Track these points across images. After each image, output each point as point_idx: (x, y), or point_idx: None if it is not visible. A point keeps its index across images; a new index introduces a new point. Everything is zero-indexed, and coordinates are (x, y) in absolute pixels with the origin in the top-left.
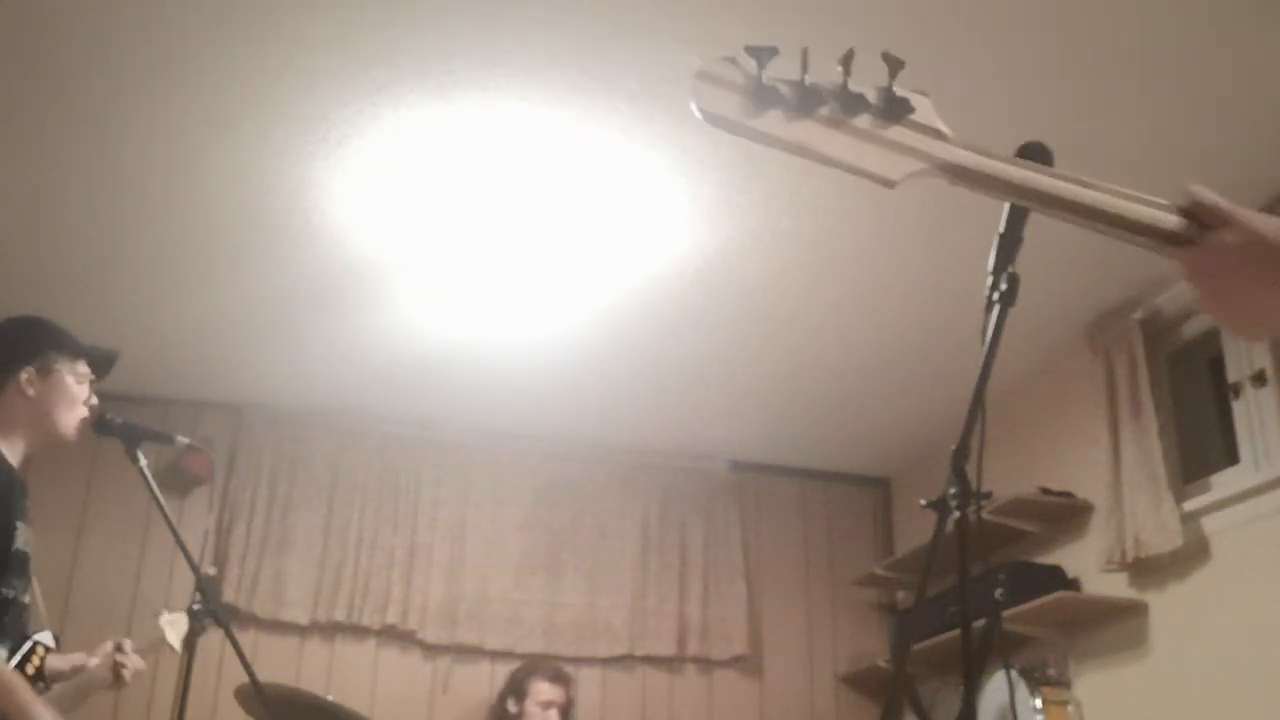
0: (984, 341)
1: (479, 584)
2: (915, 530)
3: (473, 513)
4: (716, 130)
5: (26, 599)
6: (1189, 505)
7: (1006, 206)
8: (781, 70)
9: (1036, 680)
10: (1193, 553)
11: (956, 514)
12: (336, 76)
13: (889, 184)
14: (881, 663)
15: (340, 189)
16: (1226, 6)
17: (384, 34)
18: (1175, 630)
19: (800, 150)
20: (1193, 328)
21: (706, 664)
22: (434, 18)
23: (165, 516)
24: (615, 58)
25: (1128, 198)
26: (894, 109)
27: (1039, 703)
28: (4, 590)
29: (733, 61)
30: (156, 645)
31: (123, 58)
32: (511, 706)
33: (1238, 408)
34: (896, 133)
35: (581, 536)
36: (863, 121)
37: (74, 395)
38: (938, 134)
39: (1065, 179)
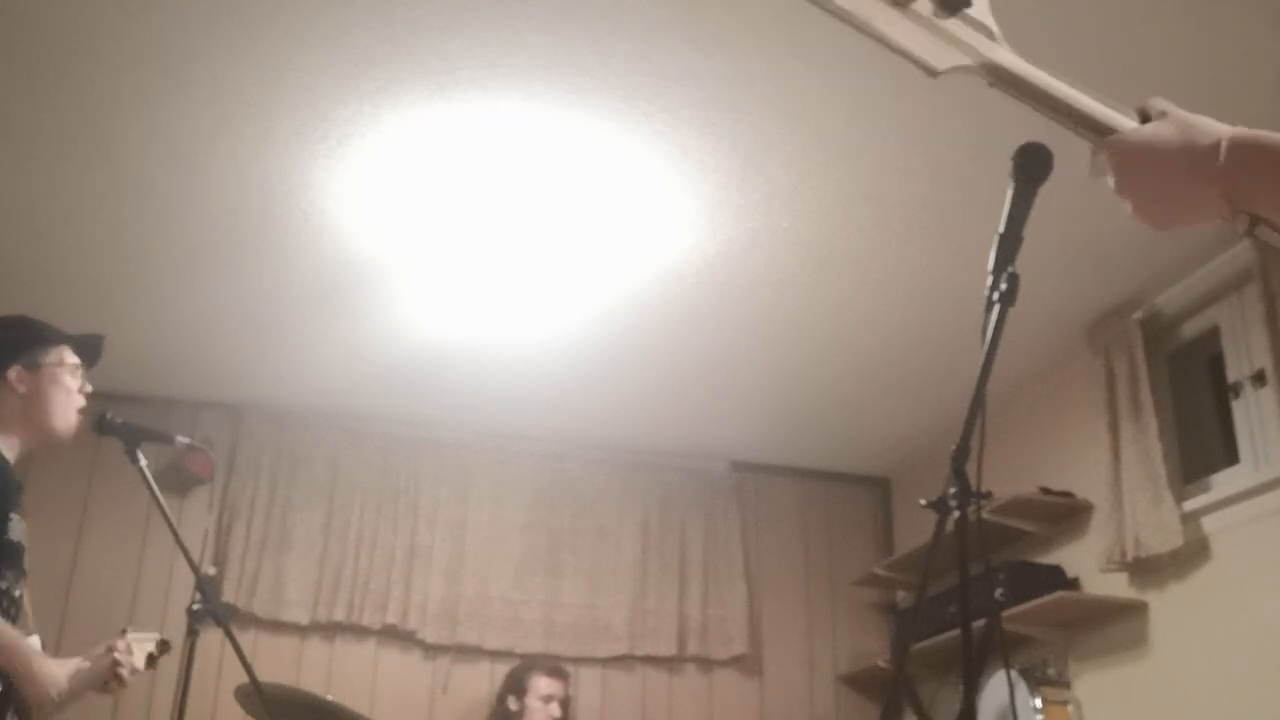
0: (984, 341)
1: (479, 584)
2: (915, 530)
3: (473, 513)
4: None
5: (18, 593)
6: (1189, 505)
7: (1006, 206)
8: None
9: (1036, 680)
10: (1193, 553)
11: (956, 514)
12: (336, 76)
13: (933, 72)
14: (881, 663)
15: (340, 189)
16: (1227, 2)
17: (384, 34)
18: (1175, 630)
19: (855, 20)
20: (1193, 328)
21: (706, 664)
22: (434, 18)
23: (165, 516)
24: (615, 58)
25: (1110, 104)
26: (953, 0)
27: (1039, 703)
28: None
29: None
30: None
31: (122, 58)
32: (512, 704)
33: (1238, 408)
34: (952, 24)
35: (581, 537)
36: (921, 6)
37: (66, 386)
38: (990, 33)
39: (1089, 94)
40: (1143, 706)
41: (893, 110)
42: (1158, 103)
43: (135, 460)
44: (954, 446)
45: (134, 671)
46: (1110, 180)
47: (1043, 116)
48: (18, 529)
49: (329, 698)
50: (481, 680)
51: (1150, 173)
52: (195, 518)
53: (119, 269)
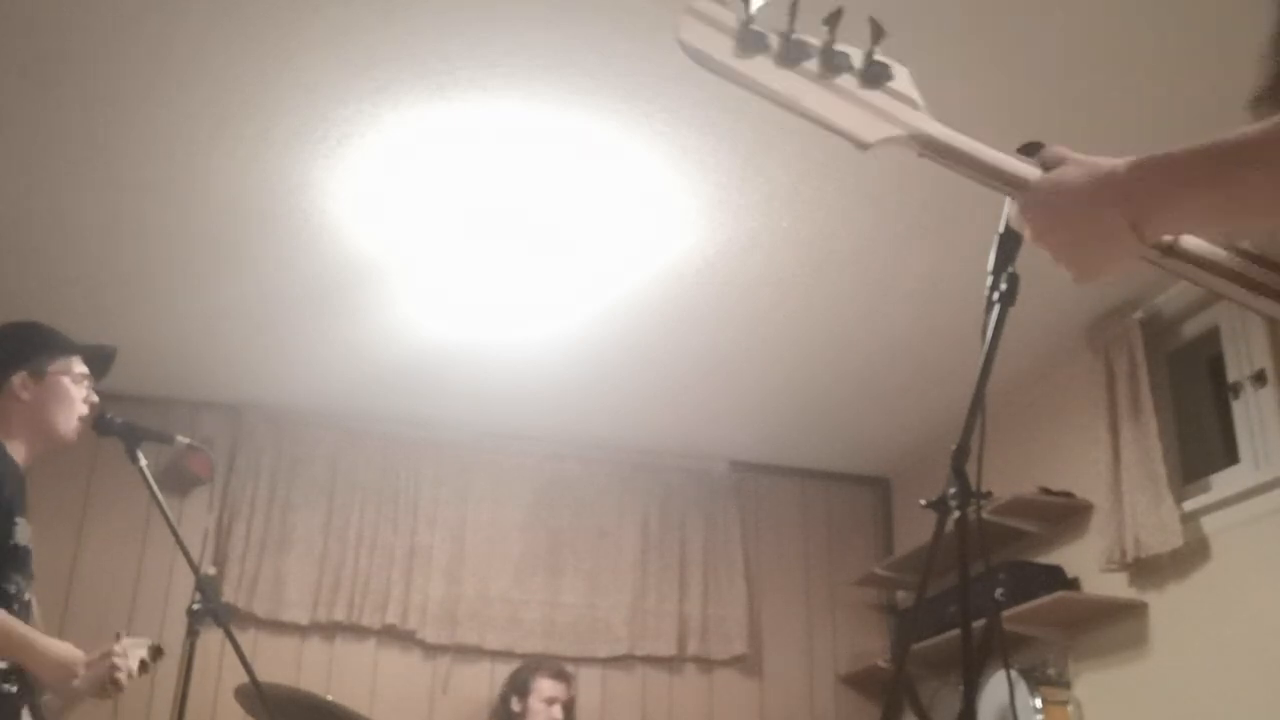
0: (984, 341)
1: (479, 584)
2: (915, 530)
3: (473, 513)
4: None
5: (28, 596)
6: (1189, 505)
7: (1007, 206)
8: (770, 20)
9: (1036, 680)
10: (1193, 553)
11: (956, 514)
12: (336, 76)
13: (863, 145)
14: (881, 663)
15: (340, 189)
16: (1213, 6)
17: (384, 34)
18: (1175, 630)
19: (780, 100)
20: (1193, 328)
21: (706, 664)
22: (434, 18)
23: (165, 516)
24: (615, 58)
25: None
26: (875, 73)
27: (1039, 703)
28: (5, 585)
29: (723, 3)
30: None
31: (122, 58)
32: (515, 705)
33: (1237, 408)
34: (875, 97)
35: (581, 537)
36: (845, 81)
37: (70, 396)
38: (914, 104)
39: (1015, 158)
40: (1143, 706)
41: None
42: (1054, 151)
43: (135, 460)
44: (954, 446)
45: (130, 676)
46: (1027, 233)
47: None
48: (24, 533)
49: (329, 698)
50: (481, 680)
51: (1058, 215)
52: (195, 518)
53: (119, 269)
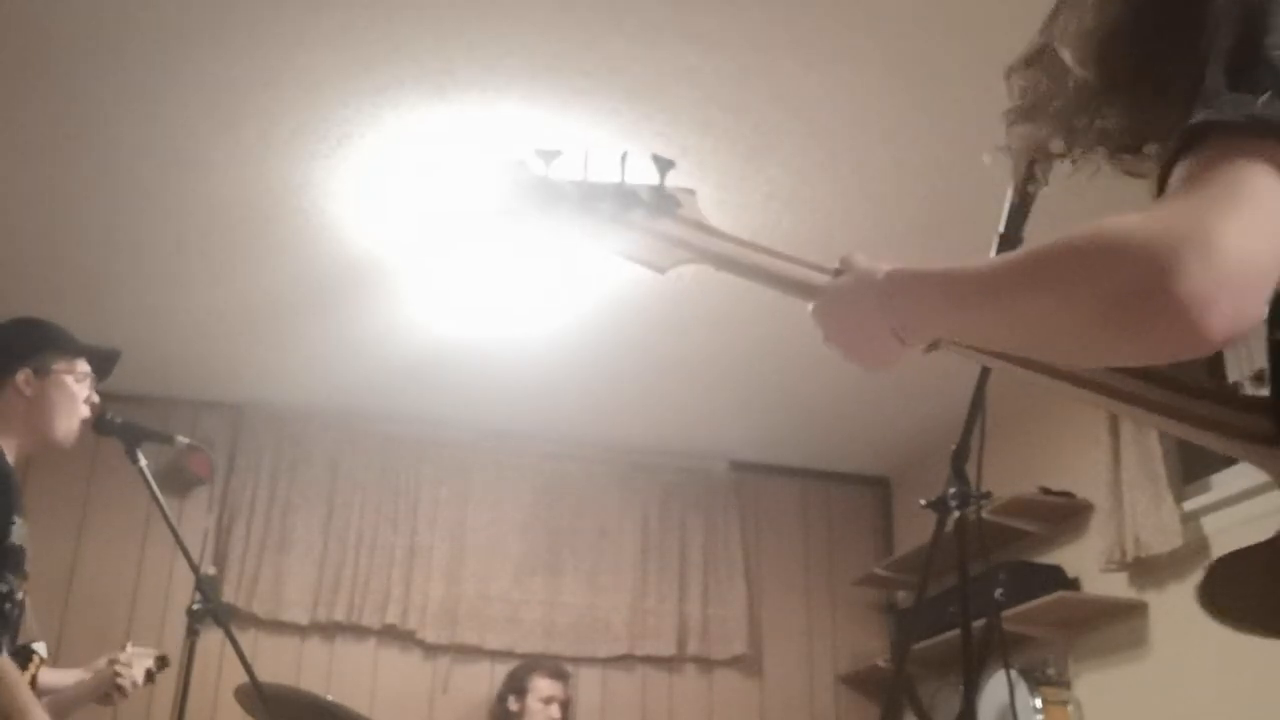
0: None
1: (479, 584)
2: (915, 530)
3: (473, 513)
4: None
5: (20, 595)
6: (1189, 505)
7: (1006, 206)
8: (568, 171)
9: (1036, 680)
10: (1193, 553)
11: (956, 514)
12: (336, 77)
13: (660, 271)
14: (881, 663)
15: (340, 189)
16: None
17: (384, 34)
18: (1175, 630)
19: (584, 242)
20: None
21: (706, 664)
22: (434, 19)
23: (165, 516)
24: (615, 58)
25: (796, 262)
26: (663, 205)
27: (1039, 703)
28: None
29: (522, 163)
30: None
31: (122, 58)
32: (513, 704)
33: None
34: (665, 225)
35: (581, 536)
36: (637, 216)
37: (73, 395)
38: (701, 227)
39: (810, 266)
40: (1143, 706)
41: (893, 110)
42: (845, 257)
43: (135, 460)
44: (954, 446)
45: (134, 685)
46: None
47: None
48: (19, 532)
49: (329, 698)
50: (481, 680)
51: (834, 319)
52: (195, 518)
53: (119, 269)
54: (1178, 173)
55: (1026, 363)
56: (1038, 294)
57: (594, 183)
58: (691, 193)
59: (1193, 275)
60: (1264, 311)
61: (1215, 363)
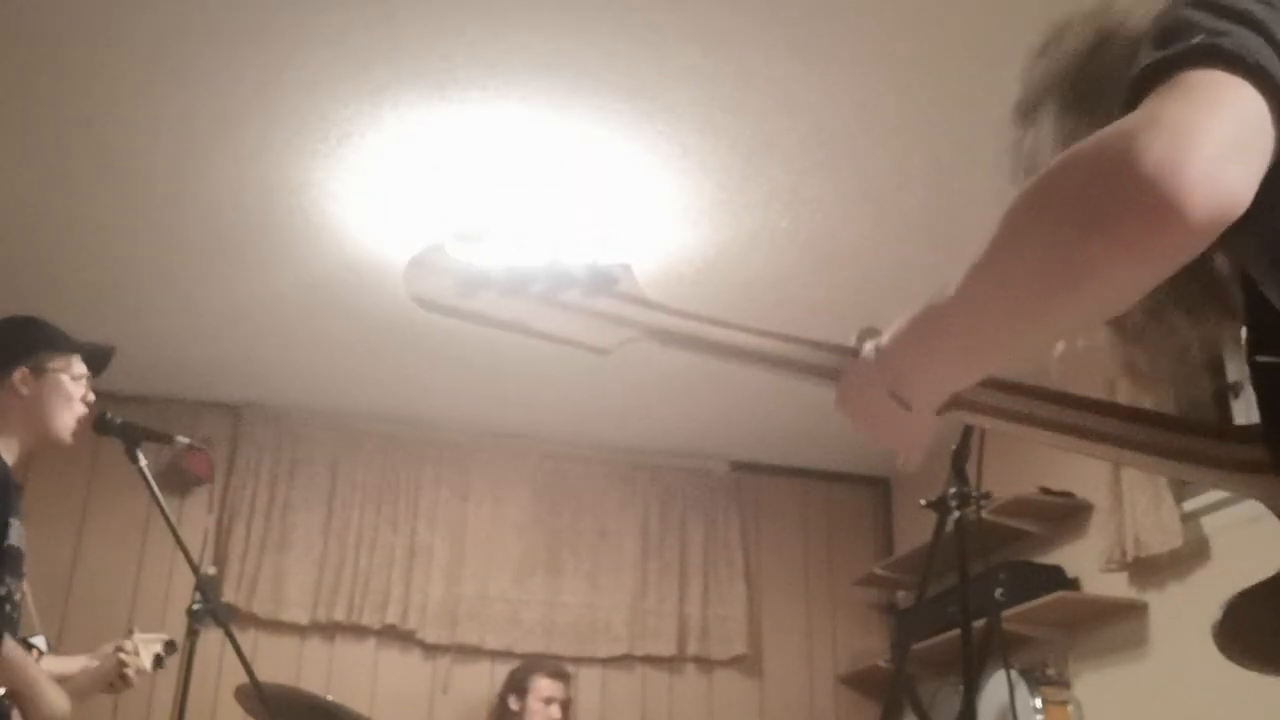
0: None
1: (479, 584)
2: (915, 530)
3: (473, 513)
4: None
5: (19, 596)
6: (1189, 505)
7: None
8: (493, 255)
9: (1036, 680)
10: (1193, 553)
11: (956, 514)
12: (336, 76)
13: (603, 353)
14: (881, 663)
15: (340, 189)
16: None
17: (384, 34)
18: (1175, 630)
19: (514, 328)
20: None
21: (706, 664)
22: (434, 18)
23: (165, 516)
24: (616, 58)
25: (808, 345)
26: (600, 282)
27: (1039, 703)
28: None
29: (442, 250)
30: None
31: (123, 58)
32: (513, 704)
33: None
34: (604, 303)
35: (581, 536)
36: (572, 296)
37: (69, 394)
38: (642, 301)
39: (759, 333)
40: (1143, 706)
41: (893, 110)
42: (859, 336)
43: (135, 460)
44: (954, 446)
45: (140, 672)
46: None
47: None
48: (17, 533)
49: (329, 698)
50: (481, 680)
51: (852, 406)
52: (195, 518)
53: (119, 269)
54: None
55: (1027, 418)
56: (1018, 237)
57: (522, 265)
58: (628, 267)
59: (1150, 145)
60: (1251, 189)
61: (1216, 362)
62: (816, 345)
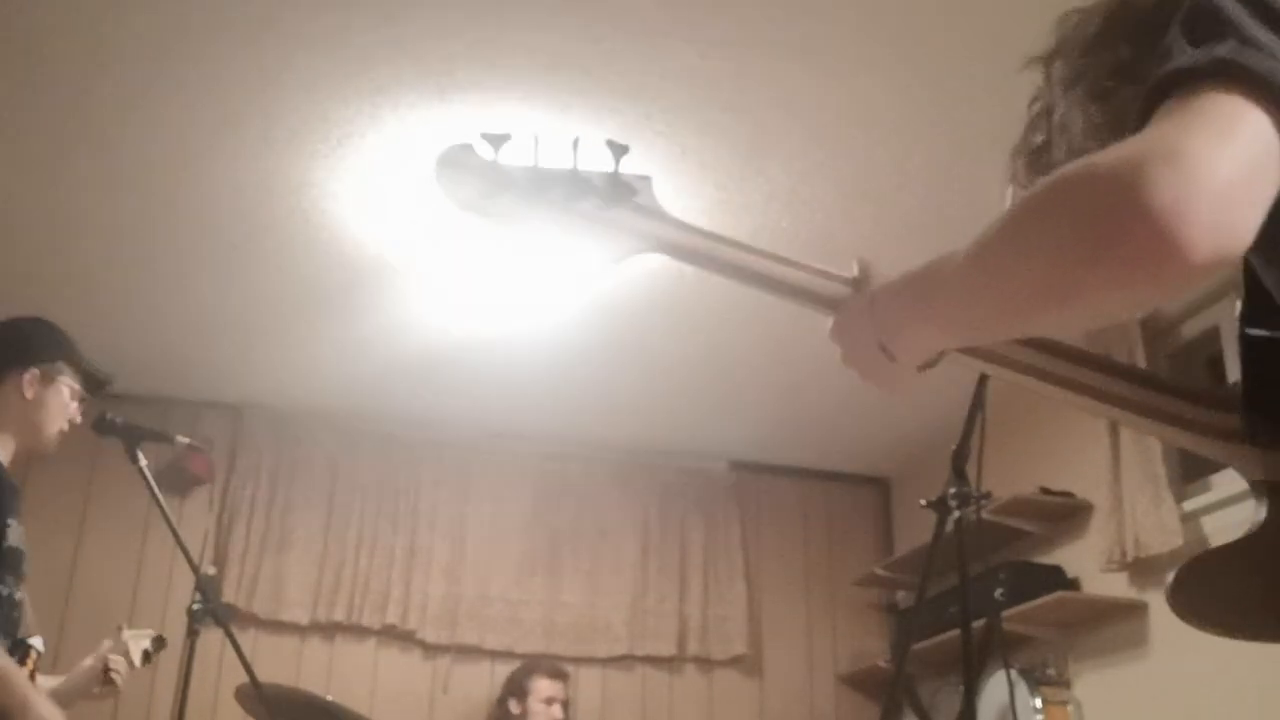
0: None
1: (479, 584)
2: (915, 530)
3: (473, 513)
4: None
5: (19, 597)
6: (1189, 505)
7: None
8: (517, 156)
9: (1036, 680)
10: (1193, 553)
11: (956, 514)
12: (336, 76)
13: (614, 262)
14: (881, 663)
15: (340, 189)
16: None
17: (384, 34)
18: (1175, 630)
19: (530, 231)
20: (1193, 328)
21: (706, 664)
22: (434, 18)
23: (165, 516)
24: (615, 58)
25: (812, 271)
26: (617, 192)
27: (1039, 703)
28: None
29: (470, 148)
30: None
31: (123, 58)
32: (514, 707)
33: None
34: (618, 214)
35: (581, 536)
36: (589, 204)
37: (65, 406)
38: (657, 215)
39: (767, 256)
40: (1143, 706)
41: (893, 109)
42: (865, 267)
43: (135, 460)
44: (954, 446)
45: (131, 667)
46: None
47: None
48: (16, 534)
49: (329, 698)
50: (481, 680)
51: (845, 340)
52: (195, 518)
53: (119, 269)
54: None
55: (1017, 365)
56: (1018, 243)
57: (544, 169)
58: (647, 179)
59: (1160, 183)
60: (1256, 226)
61: (1216, 362)
62: (824, 274)
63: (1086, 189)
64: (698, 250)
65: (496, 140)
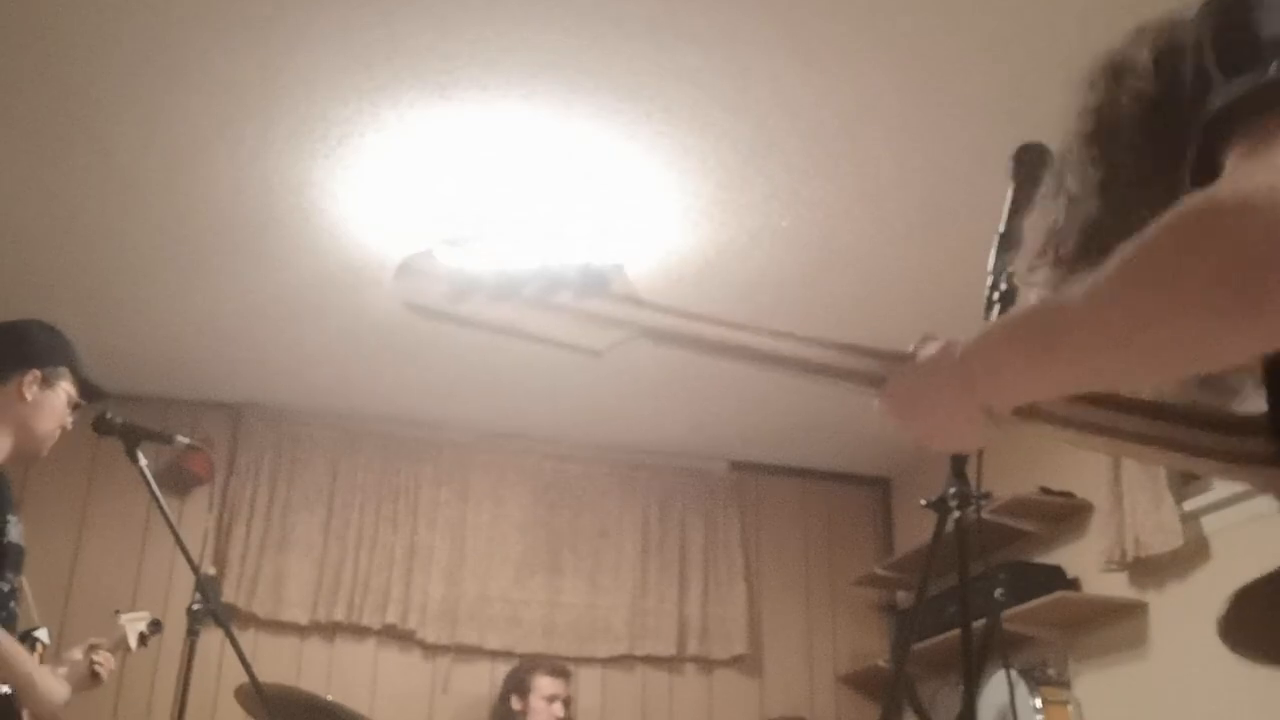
0: None
1: (479, 584)
2: (915, 530)
3: (473, 513)
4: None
5: (19, 591)
6: (1189, 505)
7: (1006, 206)
8: (483, 258)
9: (1036, 680)
10: (1193, 553)
11: (956, 514)
12: (336, 76)
13: (596, 354)
14: (881, 663)
15: (340, 189)
16: None
17: (384, 34)
18: (1175, 630)
19: (506, 331)
20: None
21: (706, 664)
22: (434, 18)
23: (165, 516)
24: (616, 57)
25: (830, 347)
26: (592, 283)
27: (1039, 703)
28: None
29: (430, 254)
30: (119, 644)
31: (122, 58)
32: (515, 704)
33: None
34: (597, 304)
35: (581, 536)
36: (564, 298)
37: (61, 413)
38: (634, 300)
39: (763, 333)
40: (1143, 706)
41: (893, 110)
42: (924, 339)
43: (135, 460)
44: None
45: (129, 651)
46: (891, 425)
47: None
48: (16, 530)
49: (329, 698)
50: (481, 680)
51: (916, 408)
52: (195, 518)
53: (119, 269)
54: (1229, 161)
55: (1100, 429)
56: (1144, 286)
57: (513, 268)
58: (620, 267)
59: (1272, 229)
60: None
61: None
62: (820, 343)
63: (1230, 228)
64: (680, 333)
65: (460, 243)
